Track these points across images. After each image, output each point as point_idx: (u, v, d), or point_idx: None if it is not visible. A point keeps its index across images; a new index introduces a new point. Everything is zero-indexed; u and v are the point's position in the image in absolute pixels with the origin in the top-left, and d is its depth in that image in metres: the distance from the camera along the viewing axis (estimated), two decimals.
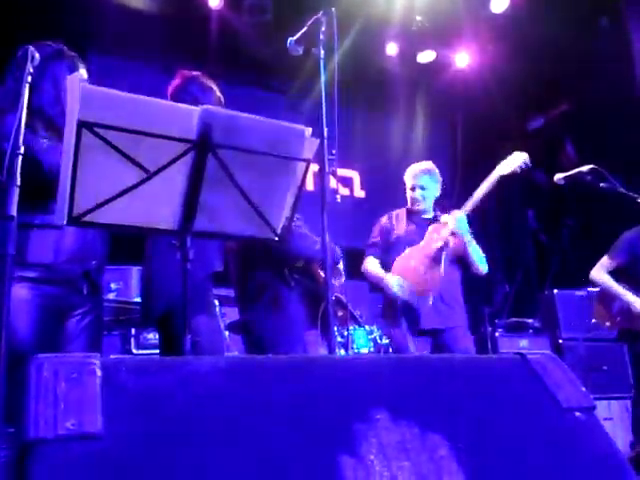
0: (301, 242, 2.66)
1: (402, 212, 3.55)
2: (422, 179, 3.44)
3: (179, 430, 0.79)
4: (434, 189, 3.47)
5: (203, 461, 0.77)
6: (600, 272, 4.09)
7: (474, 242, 3.31)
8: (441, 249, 3.20)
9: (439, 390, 0.97)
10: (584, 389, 1.04)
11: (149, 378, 0.81)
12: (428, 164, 3.53)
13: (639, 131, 5.57)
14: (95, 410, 0.75)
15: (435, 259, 3.22)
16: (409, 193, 3.47)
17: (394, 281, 3.25)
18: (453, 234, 3.19)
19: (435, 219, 3.42)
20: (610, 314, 4.05)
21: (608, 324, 4.08)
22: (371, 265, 3.46)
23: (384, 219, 3.58)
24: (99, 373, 0.79)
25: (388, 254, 3.43)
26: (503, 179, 3.31)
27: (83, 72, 2.12)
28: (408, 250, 3.33)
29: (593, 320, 4.14)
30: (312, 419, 0.86)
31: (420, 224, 3.44)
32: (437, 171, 3.52)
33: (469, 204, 3.24)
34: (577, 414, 0.99)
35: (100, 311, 2.16)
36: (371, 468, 0.81)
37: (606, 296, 4.09)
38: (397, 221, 3.53)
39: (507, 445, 0.94)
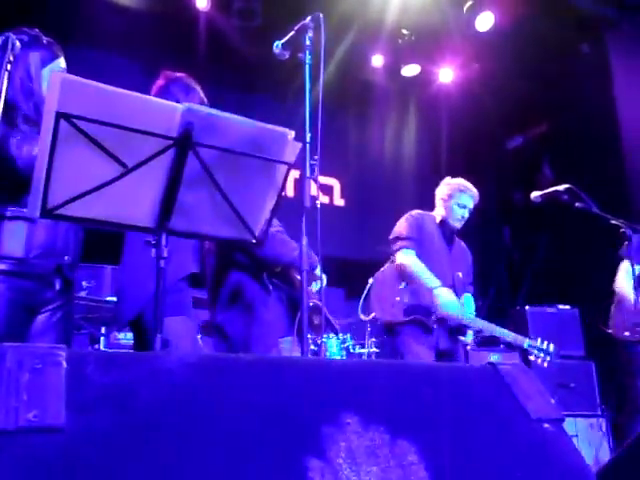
0: (281, 247, 2.65)
1: (433, 217, 3.41)
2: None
3: (144, 425, 0.77)
4: None
5: (168, 457, 0.76)
6: (619, 279, 3.96)
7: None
8: None
9: (410, 397, 0.97)
10: (553, 401, 1.05)
11: (116, 372, 0.79)
12: None
13: (614, 154, 5.70)
14: (59, 402, 0.73)
15: None
16: (459, 210, 3.33)
17: (445, 294, 3.08)
18: None
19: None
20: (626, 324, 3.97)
21: (627, 334, 4.01)
22: (412, 259, 3.20)
23: (415, 213, 3.39)
24: (64, 365, 0.77)
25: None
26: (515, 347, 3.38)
27: (61, 61, 2.08)
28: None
29: (609, 330, 4.08)
30: (281, 420, 0.85)
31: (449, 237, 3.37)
32: None
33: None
34: (545, 425, 1.00)
35: (71, 308, 2.11)
36: (339, 472, 0.80)
37: (621, 304, 3.96)
38: (427, 223, 3.38)
39: (476, 454, 0.94)
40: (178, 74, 2.41)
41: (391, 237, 3.34)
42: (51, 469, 0.69)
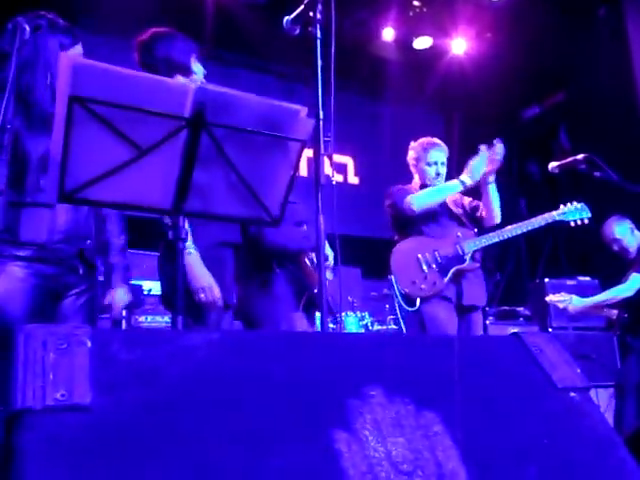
0: (287, 236, 2.72)
1: (414, 188, 3.32)
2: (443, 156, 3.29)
3: (170, 402, 0.78)
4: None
5: (194, 434, 0.76)
6: None
7: None
8: None
9: (435, 368, 0.97)
10: (579, 370, 1.04)
11: (141, 350, 0.80)
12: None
13: (634, 122, 5.58)
14: (85, 381, 0.74)
15: None
16: (430, 169, 3.24)
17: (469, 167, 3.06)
18: None
19: None
20: None
21: None
22: (417, 194, 3.15)
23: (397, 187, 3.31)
24: (89, 344, 0.77)
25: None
26: (553, 224, 3.29)
27: (78, 48, 2.07)
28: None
29: None
30: (306, 394, 0.85)
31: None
32: None
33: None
34: (572, 394, 0.99)
35: (96, 291, 2.13)
36: (365, 443, 0.81)
37: None
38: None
39: (501, 423, 0.94)
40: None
41: (391, 211, 3.26)
42: (78, 447, 0.70)
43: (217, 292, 2.08)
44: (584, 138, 5.57)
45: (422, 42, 6.27)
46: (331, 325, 3.77)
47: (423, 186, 3.26)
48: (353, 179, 6.70)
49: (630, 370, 3.91)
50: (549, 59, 5.95)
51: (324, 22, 2.29)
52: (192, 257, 2.15)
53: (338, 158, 6.37)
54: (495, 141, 3.20)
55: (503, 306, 5.64)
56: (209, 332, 0.88)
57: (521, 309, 5.53)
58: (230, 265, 2.35)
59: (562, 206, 3.33)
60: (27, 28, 1.79)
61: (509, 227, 3.21)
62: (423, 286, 3.01)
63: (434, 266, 3.05)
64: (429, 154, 3.26)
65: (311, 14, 2.26)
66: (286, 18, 2.34)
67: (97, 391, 0.74)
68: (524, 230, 3.22)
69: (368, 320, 4.33)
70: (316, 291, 2.75)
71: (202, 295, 2.10)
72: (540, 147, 6.27)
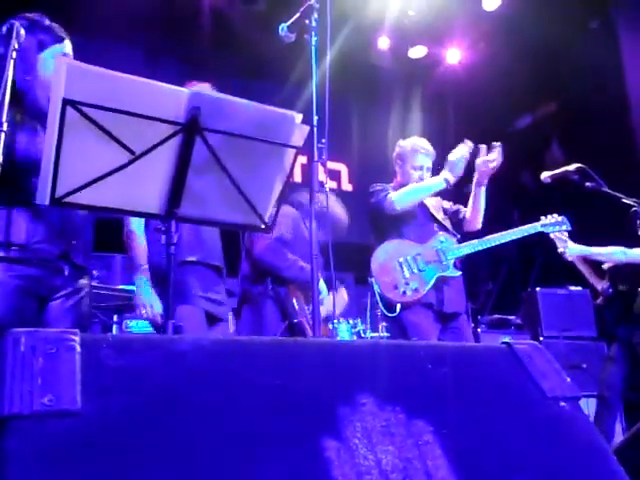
0: (280, 260, 2.85)
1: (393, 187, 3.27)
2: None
3: (160, 409, 0.77)
4: None
5: (183, 441, 0.76)
6: None
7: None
8: None
9: (426, 376, 0.97)
10: (569, 379, 1.04)
11: (130, 356, 0.79)
12: None
13: (626, 132, 5.63)
14: (73, 386, 0.73)
15: None
16: (415, 173, 3.19)
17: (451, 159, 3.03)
18: None
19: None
20: None
21: None
22: (399, 191, 3.10)
23: (378, 185, 3.27)
24: (78, 349, 0.77)
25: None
26: (534, 234, 3.30)
27: (65, 45, 2.04)
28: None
29: None
30: (296, 402, 0.85)
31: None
32: None
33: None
34: (562, 404, 0.99)
35: (86, 293, 2.08)
36: (355, 451, 0.80)
37: None
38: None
39: (491, 432, 0.94)
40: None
41: (372, 210, 3.21)
42: (66, 453, 0.69)
43: (157, 310, 2.22)
44: (577, 149, 5.61)
45: (416, 51, 6.32)
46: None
47: (404, 187, 3.18)
48: (347, 186, 6.71)
49: (614, 379, 3.93)
50: (542, 69, 5.99)
51: (320, 30, 2.30)
52: (140, 276, 2.28)
53: (332, 165, 6.38)
54: (494, 144, 3.17)
55: (495, 314, 5.65)
56: (199, 338, 0.88)
57: (512, 318, 5.54)
58: (216, 282, 2.43)
59: (543, 218, 3.36)
60: (23, 32, 1.78)
61: (491, 236, 3.17)
62: (405, 292, 2.94)
63: (416, 271, 2.98)
64: (416, 158, 3.20)
65: (307, 22, 2.27)
66: (282, 25, 2.34)
67: (86, 396, 0.73)
68: (506, 240, 3.19)
69: (360, 327, 4.32)
70: (295, 321, 2.80)
71: (143, 311, 2.25)
72: (533, 157, 6.30)
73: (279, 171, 1.79)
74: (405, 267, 2.99)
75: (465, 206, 3.33)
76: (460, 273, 3.10)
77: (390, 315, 3.02)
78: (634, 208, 3.33)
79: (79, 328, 2.02)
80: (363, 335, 4.27)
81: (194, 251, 2.40)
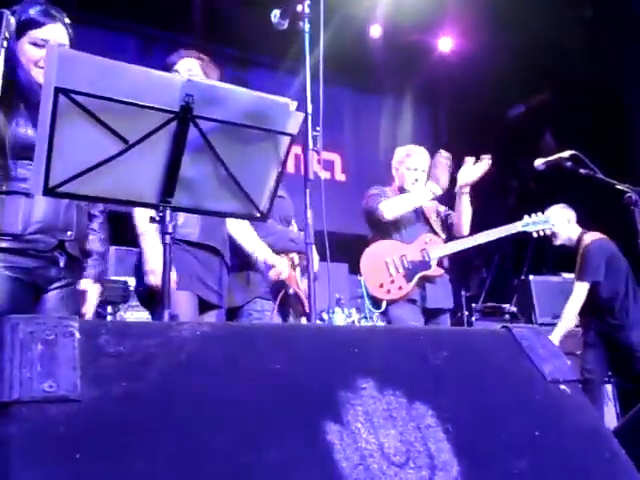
0: (275, 236, 2.80)
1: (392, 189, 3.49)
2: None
3: (160, 395, 0.77)
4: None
5: (184, 425, 0.75)
6: None
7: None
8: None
9: (426, 360, 0.97)
10: (569, 362, 1.05)
11: (129, 342, 0.78)
12: None
13: (619, 120, 5.64)
14: (73, 372, 0.72)
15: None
16: (410, 174, 3.39)
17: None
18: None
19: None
20: None
21: None
22: (390, 200, 3.31)
23: (376, 189, 3.47)
24: (77, 335, 0.76)
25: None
26: (517, 234, 3.39)
27: (47, 29, 1.96)
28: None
29: None
30: (297, 386, 0.85)
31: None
32: None
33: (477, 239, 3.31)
34: (562, 386, 1.00)
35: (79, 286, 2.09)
36: (357, 435, 0.80)
37: None
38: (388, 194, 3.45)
39: (492, 415, 0.94)
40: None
41: (365, 214, 3.42)
42: (66, 439, 0.69)
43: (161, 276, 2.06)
44: (569, 137, 5.62)
45: (409, 39, 6.29)
46: (318, 321, 3.78)
47: (401, 189, 3.43)
48: (340, 176, 6.70)
49: (594, 364, 3.98)
50: (534, 58, 5.99)
51: (312, 17, 2.28)
52: (148, 240, 2.16)
53: (325, 155, 6.37)
54: (483, 156, 3.35)
55: (489, 303, 5.68)
56: (198, 324, 0.87)
57: (507, 306, 5.57)
58: (215, 267, 2.34)
59: (526, 216, 3.45)
60: (13, 20, 1.75)
61: (472, 236, 3.35)
62: (390, 290, 3.19)
63: (401, 270, 3.22)
64: (411, 159, 3.41)
65: (299, 8, 2.25)
66: (274, 12, 2.32)
67: (85, 383, 0.73)
68: (488, 239, 3.34)
69: (355, 317, 4.33)
70: (291, 291, 2.82)
71: (151, 277, 2.12)
72: (527, 145, 6.31)
73: (274, 159, 1.77)
74: (391, 267, 3.24)
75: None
76: (442, 272, 3.30)
77: (377, 311, 3.31)
78: (628, 194, 3.33)
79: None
80: (357, 324, 4.28)
81: (191, 230, 2.25)
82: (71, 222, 2.00)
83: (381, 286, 3.21)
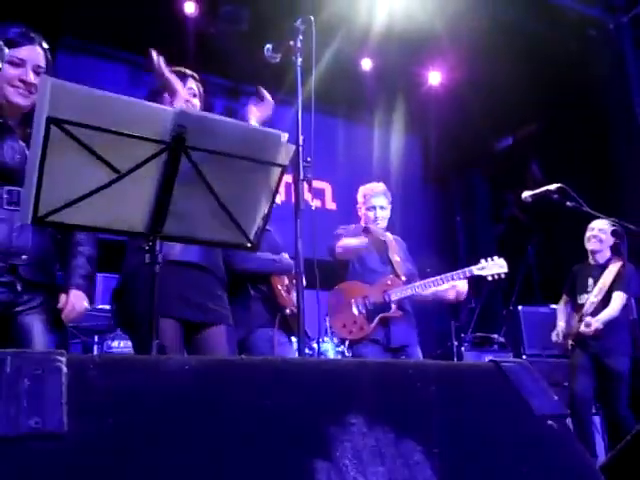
0: (259, 260, 2.89)
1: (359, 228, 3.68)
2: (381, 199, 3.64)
3: (147, 431, 0.76)
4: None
5: (171, 460, 0.74)
6: None
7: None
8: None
9: (414, 396, 0.96)
10: (556, 397, 1.05)
11: (117, 376, 0.78)
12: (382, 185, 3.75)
13: (605, 152, 5.74)
14: (60, 408, 0.71)
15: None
16: (370, 213, 3.59)
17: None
18: None
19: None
20: None
21: None
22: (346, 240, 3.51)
23: (340, 229, 3.69)
24: (65, 370, 0.75)
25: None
26: (472, 277, 3.48)
27: (22, 50, 1.96)
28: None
29: None
30: (285, 421, 0.84)
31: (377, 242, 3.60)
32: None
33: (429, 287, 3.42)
34: (549, 422, 1.00)
35: (52, 306, 2.01)
36: (345, 473, 0.80)
37: None
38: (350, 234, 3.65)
39: (480, 451, 0.94)
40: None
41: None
42: (53, 476, 0.67)
43: None
44: (556, 169, 5.70)
45: (399, 72, 6.40)
46: (307, 350, 3.77)
47: (365, 228, 3.57)
48: (331, 205, 6.73)
49: (586, 392, 4.00)
50: (523, 91, 6.10)
51: (304, 51, 2.32)
52: None
53: (316, 184, 6.40)
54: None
55: (478, 333, 5.68)
56: (186, 358, 0.87)
57: (495, 336, 5.57)
58: (199, 282, 2.26)
59: (483, 260, 3.54)
60: (6, 50, 1.77)
61: (429, 279, 3.47)
62: (352, 329, 3.38)
63: (363, 312, 3.40)
64: (370, 200, 3.62)
65: (292, 43, 2.29)
66: (267, 46, 2.37)
67: (73, 418, 0.72)
68: (444, 282, 3.45)
69: (344, 346, 4.30)
70: (288, 312, 2.88)
71: None
72: (514, 178, 6.40)
73: (265, 190, 1.79)
74: (354, 307, 3.43)
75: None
76: (401, 313, 3.44)
77: (338, 349, 3.58)
78: (614, 227, 3.37)
79: (53, 340, 1.95)
80: (347, 354, 4.26)
81: (170, 250, 2.14)
82: (25, 245, 1.94)
83: (344, 326, 3.41)
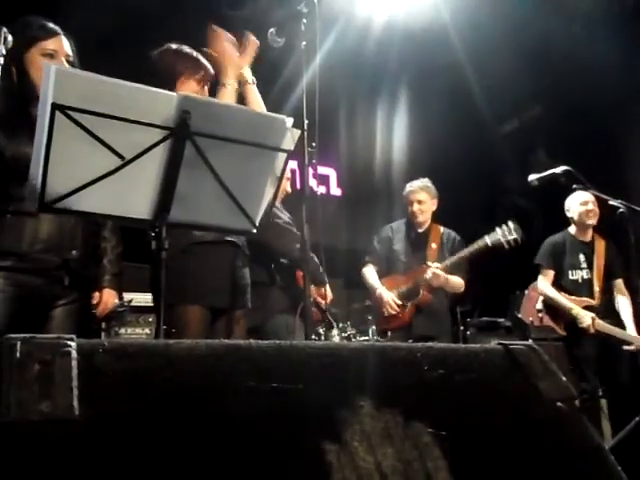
0: (287, 241, 2.90)
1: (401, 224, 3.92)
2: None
3: (157, 414, 0.76)
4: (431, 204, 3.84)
5: (182, 444, 0.75)
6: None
7: (451, 280, 3.65)
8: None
9: (422, 379, 0.97)
10: (565, 379, 1.05)
11: (127, 361, 0.78)
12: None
13: (611, 135, 5.69)
14: (70, 393, 0.72)
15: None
16: (410, 209, 3.83)
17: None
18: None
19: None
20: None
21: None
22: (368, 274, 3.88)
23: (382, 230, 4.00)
24: (75, 355, 0.76)
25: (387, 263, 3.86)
26: (489, 249, 3.53)
27: (54, 41, 1.97)
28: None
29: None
30: (296, 406, 0.84)
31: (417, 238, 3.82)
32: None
33: (449, 262, 3.60)
34: (558, 404, 1.00)
35: (87, 302, 2.09)
36: (355, 454, 0.80)
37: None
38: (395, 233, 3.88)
39: (489, 434, 0.94)
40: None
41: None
42: (64, 460, 0.68)
43: None
44: (562, 153, 5.65)
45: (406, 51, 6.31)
46: (314, 337, 3.79)
47: (408, 222, 3.89)
48: (336, 190, 6.70)
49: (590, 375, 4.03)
50: (527, 73, 6.04)
51: (308, 34, 2.30)
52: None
53: (321, 169, 6.37)
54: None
55: (484, 317, 5.68)
56: (196, 343, 0.87)
57: (501, 320, 5.57)
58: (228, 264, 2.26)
59: (497, 229, 3.64)
60: (10, 37, 1.76)
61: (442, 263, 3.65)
62: (390, 320, 3.70)
63: (398, 301, 3.67)
64: (409, 195, 3.86)
65: (296, 26, 2.27)
66: (270, 30, 2.34)
67: (83, 403, 0.72)
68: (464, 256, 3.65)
69: (351, 331, 4.31)
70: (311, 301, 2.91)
71: None
72: (519, 161, 6.35)
73: (270, 175, 1.78)
74: (391, 300, 3.67)
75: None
76: (430, 297, 3.65)
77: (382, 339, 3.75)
78: (621, 209, 3.35)
79: (80, 335, 2.00)
80: (354, 339, 4.27)
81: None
82: (76, 241, 2.01)
83: (385, 318, 3.69)
